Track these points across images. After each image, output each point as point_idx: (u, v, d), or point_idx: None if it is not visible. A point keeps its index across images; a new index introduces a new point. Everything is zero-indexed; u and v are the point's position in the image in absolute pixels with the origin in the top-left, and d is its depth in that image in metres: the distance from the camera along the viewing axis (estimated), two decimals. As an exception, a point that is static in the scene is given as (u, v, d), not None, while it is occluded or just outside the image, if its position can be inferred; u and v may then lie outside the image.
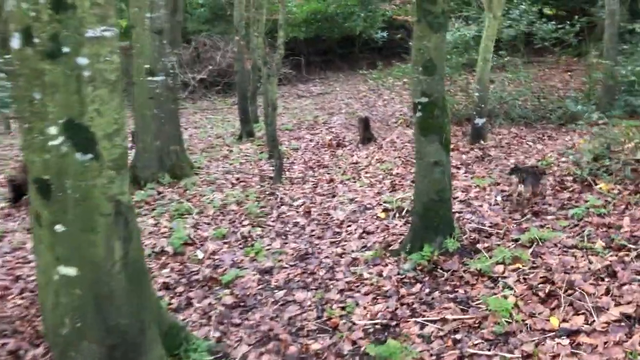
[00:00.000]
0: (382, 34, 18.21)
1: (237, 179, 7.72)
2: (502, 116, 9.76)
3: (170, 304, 4.23)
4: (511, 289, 3.65)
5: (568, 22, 9.97)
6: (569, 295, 3.44)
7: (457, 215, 5.05)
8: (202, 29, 18.46)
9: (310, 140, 10.31)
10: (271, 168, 7.96)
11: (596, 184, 5.47)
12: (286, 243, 5.20)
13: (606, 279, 3.56)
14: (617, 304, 3.23)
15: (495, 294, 3.65)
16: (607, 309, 3.21)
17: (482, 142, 8.27)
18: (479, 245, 4.40)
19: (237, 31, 10.32)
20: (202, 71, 16.98)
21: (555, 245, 4.17)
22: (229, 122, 12.94)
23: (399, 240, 4.82)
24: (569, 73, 14.18)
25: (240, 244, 5.29)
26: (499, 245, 4.34)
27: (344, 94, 15.78)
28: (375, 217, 5.61)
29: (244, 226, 5.72)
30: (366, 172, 7.61)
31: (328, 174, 7.86)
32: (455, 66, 10.29)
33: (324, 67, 19.49)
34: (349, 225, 5.46)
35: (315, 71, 19.29)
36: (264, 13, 10.45)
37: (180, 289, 4.49)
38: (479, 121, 8.48)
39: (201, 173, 8.02)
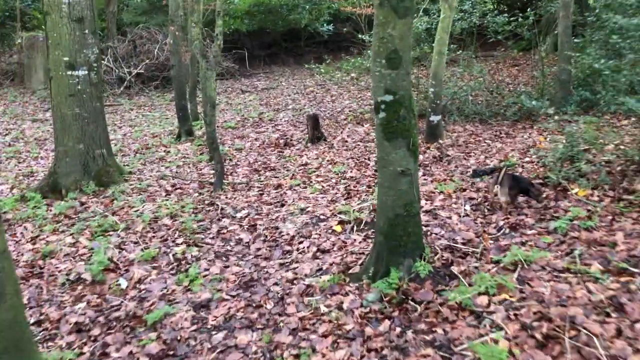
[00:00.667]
0: (328, 27, 17.48)
1: (173, 185, 6.80)
2: (456, 113, 9.20)
3: (81, 353, 3.34)
4: (501, 329, 2.95)
5: (520, 15, 9.48)
6: (573, 337, 2.77)
7: (424, 229, 4.36)
8: (139, 21, 17.22)
9: (256, 140, 9.46)
10: (212, 172, 7.09)
11: (571, 189, 4.90)
12: (227, 266, 4.37)
13: (613, 315, 2.92)
14: (636, 351, 2.59)
15: (481, 335, 2.95)
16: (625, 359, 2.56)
17: (439, 141, 7.64)
18: (453, 268, 3.70)
19: (172, 21, 9.33)
20: (138, 65, 15.79)
21: (543, 268, 3.52)
22: (167, 120, 11.91)
23: (360, 261, 4.08)
24: (516, 67, 13.84)
25: (172, 269, 4.42)
26: (477, 268, 3.66)
27: (290, 89, 14.96)
28: (330, 230, 4.84)
29: (177, 245, 4.84)
30: (317, 176, 6.85)
31: (275, 177, 7.05)
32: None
33: (269, 61, 18.59)
34: (301, 242, 4.67)
35: (260, 65, 18.37)
36: (201, 1, 9.52)
37: (95, 331, 3.59)
38: (434, 118, 7.84)
39: (132, 179, 7.05)
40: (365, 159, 7.45)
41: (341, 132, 9.30)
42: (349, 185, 6.22)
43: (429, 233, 4.33)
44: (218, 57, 5.94)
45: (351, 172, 6.83)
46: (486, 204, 4.82)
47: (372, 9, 11.67)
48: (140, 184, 6.73)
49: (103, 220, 5.42)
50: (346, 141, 8.67)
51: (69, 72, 6.42)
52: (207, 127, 6.45)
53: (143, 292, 4.08)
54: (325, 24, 17.51)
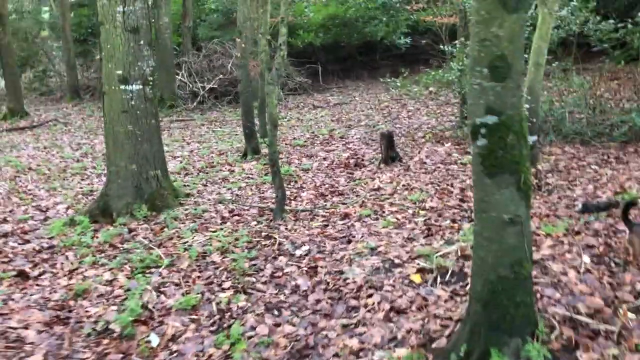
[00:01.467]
0: (406, 40, 16.47)
1: (231, 211, 6.03)
2: (552, 133, 7.96)
3: None
4: None
5: (630, 21, 8.12)
6: None
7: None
8: (214, 35, 16.92)
9: (324, 159, 8.60)
10: (274, 196, 6.29)
11: None
12: (278, 325, 3.48)
13: None
14: None
15: None
16: None
17: (536, 166, 6.48)
18: (580, 355, 2.64)
19: (240, 33, 8.68)
20: (212, 80, 15.42)
21: None
22: (236, 136, 11.28)
23: (447, 332, 3.09)
24: (616, 81, 12.27)
25: (213, 323, 3.59)
26: (616, 358, 2.58)
27: (364, 104, 14.06)
28: (407, 280, 3.87)
29: (223, 290, 4.01)
30: (391, 204, 5.88)
31: (343, 204, 6.15)
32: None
33: (342, 75, 17.80)
34: (370, 295, 3.72)
35: (333, 80, 17.61)
36: (267, 12, 8.84)
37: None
38: (530, 139, 6.67)
39: (188, 203, 6.35)
40: (448, 184, 6.40)
41: (419, 152, 8.28)
42: (429, 219, 5.20)
43: (539, 296, 3.27)
44: (281, 69, 5.15)
45: (431, 200, 5.81)
46: (612, 255, 3.68)
47: (455, 18, 10.59)
48: (195, 210, 6.00)
49: (146, 255, 4.69)
50: (424, 163, 7.64)
51: (122, 87, 5.82)
52: (268, 148, 5.64)
53: (175, 355, 3.26)
54: (402, 37, 16.52)
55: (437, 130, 9.97)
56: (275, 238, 4.94)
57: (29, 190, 8.17)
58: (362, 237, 4.87)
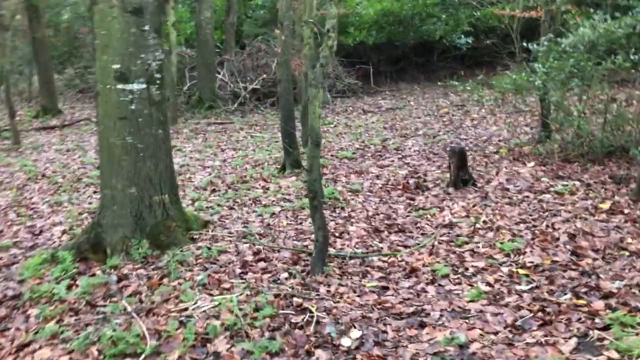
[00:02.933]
0: (467, 39, 14.60)
1: (256, 253, 4.43)
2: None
3: None
4: None
5: None
6: None
7: None
8: (258, 33, 15.46)
9: (377, 177, 6.93)
10: (314, 238, 4.66)
11: None
12: None
13: None
14: None
15: None
16: None
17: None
18: None
19: (281, 24, 7.09)
20: (255, 80, 13.95)
21: None
22: (276, 143, 9.71)
23: None
24: None
25: None
26: None
27: (420, 109, 12.28)
28: None
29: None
30: (473, 254, 4.17)
31: (405, 246, 4.48)
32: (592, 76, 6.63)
33: (396, 78, 16.03)
34: None
35: (386, 82, 15.86)
36: None
37: None
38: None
39: (204, 237, 4.79)
40: (548, 226, 4.63)
41: (496, 174, 6.50)
42: (537, 287, 3.47)
43: None
44: (328, 65, 3.48)
45: (531, 252, 4.07)
46: None
47: (537, 12, 8.72)
48: (209, 250, 4.42)
49: (123, 332, 3.14)
50: (506, 189, 5.87)
51: (120, 86, 4.31)
52: (307, 174, 3.99)
53: None
54: (462, 36, 14.66)
55: (512, 145, 8.14)
56: (311, 311, 3.30)
57: (32, 203, 6.84)
58: (440, 316, 3.18)
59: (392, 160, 7.83)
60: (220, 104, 13.47)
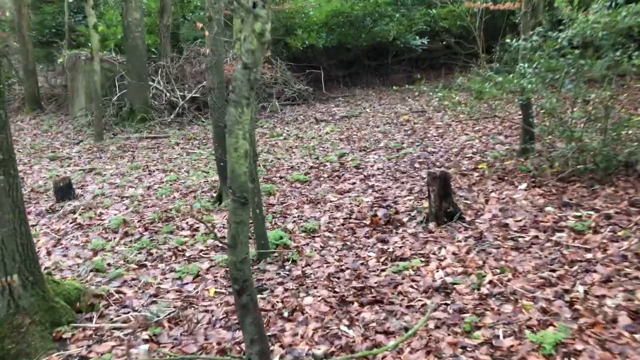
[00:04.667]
0: (422, 40, 13.25)
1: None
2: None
3: None
4: None
5: None
6: None
7: None
8: (198, 36, 13.64)
9: (337, 207, 5.34)
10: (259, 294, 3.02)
11: None
12: None
13: None
14: None
15: None
16: None
17: None
18: None
19: (210, 19, 5.41)
20: (194, 88, 12.14)
21: None
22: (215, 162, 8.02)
23: None
24: None
25: None
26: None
27: (378, 117, 10.79)
28: None
29: None
30: (493, 353, 2.64)
31: (387, 333, 2.92)
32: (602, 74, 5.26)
33: (349, 82, 14.53)
34: None
35: (338, 87, 14.34)
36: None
37: None
38: None
39: (79, 335, 3.07)
40: (588, 292, 3.14)
41: (486, 202, 5.02)
42: None
43: None
44: (256, 64, 1.88)
45: (573, 339, 2.57)
46: None
47: (515, 4, 7.35)
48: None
49: None
50: (505, 225, 4.38)
51: None
52: (229, 253, 2.31)
53: None
54: (417, 37, 13.31)
55: (490, 158, 6.73)
56: None
57: None
58: None
59: (354, 183, 6.27)
60: (154, 115, 11.61)
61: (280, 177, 6.75)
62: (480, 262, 3.74)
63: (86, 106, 11.94)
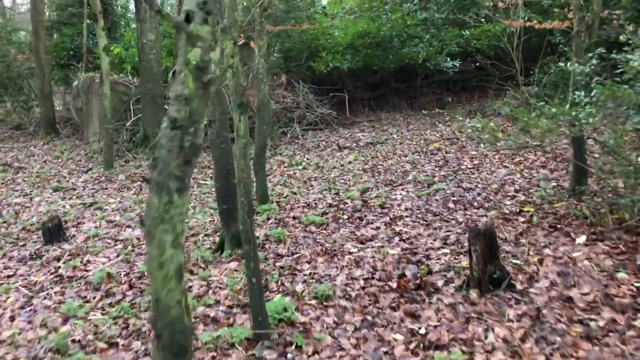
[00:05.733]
0: (454, 62, 12.33)
1: None
2: None
3: None
4: None
5: None
6: None
7: None
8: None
9: (357, 263, 4.44)
10: None
11: None
12: None
13: None
14: None
15: None
16: None
17: None
18: None
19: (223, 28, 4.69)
20: (210, 112, 11.42)
21: None
22: (227, 196, 7.22)
23: None
24: None
25: None
26: None
27: (406, 144, 9.89)
28: None
29: None
30: None
31: None
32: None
33: (375, 106, 13.68)
34: None
35: (363, 111, 13.49)
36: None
37: None
38: None
39: None
40: None
41: (539, 260, 4.07)
42: None
43: None
44: (197, 130, 1.11)
45: None
46: None
47: (564, 22, 6.43)
48: None
49: None
50: (568, 299, 3.43)
51: None
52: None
53: None
54: (448, 59, 12.40)
55: (535, 198, 5.77)
56: None
57: None
58: None
59: (377, 228, 5.37)
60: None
61: (294, 218, 5.90)
62: (542, 359, 2.79)
63: (99, 131, 11.35)
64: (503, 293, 3.61)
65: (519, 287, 3.69)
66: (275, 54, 13.61)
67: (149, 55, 10.52)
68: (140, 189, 8.21)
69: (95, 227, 6.21)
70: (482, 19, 11.63)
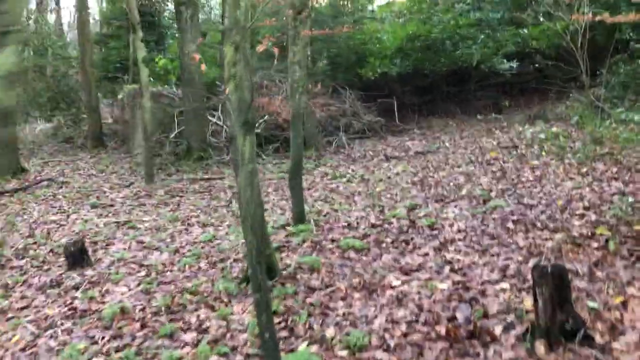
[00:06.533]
0: (510, 64, 11.43)
1: None
2: None
3: None
4: None
5: None
6: None
7: None
8: (262, 66, 12.64)
9: (400, 301, 3.80)
10: None
11: None
12: None
13: None
14: None
15: None
16: None
17: None
18: None
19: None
20: (256, 123, 11.03)
21: None
22: (266, 211, 6.72)
23: None
24: None
25: None
26: None
27: (459, 154, 9.11)
28: None
29: None
30: None
31: None
32: None
33: (425, 112, 12.92)
34: None
35: (413, 117, 12.77)
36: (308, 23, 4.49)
37: None
38: None
39: None
40: None
41: (622, 303, 3.30)
42: None
43: None
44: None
45: None
46: None
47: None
48: None
49: None
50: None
51: None
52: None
53: None
54: (505, 60, 11.50)
55: (609, 217, 4.93)
56: None
57: None
58: None
59: (425, 254, 4.70)
60: (212, 154, 10.64)
61: (332, 241, 5.30)
62: None
63: (144, 144, 11.20)
64: (579, 348, 2.89)
65: (598, 339, 2.95)
66: (323, 61, 13.08)
67: (191, 66, 10.25)
68: (178, 205, 7.86)
69: (124, 249, 5.85)
70: (541, 17, 10.70)
